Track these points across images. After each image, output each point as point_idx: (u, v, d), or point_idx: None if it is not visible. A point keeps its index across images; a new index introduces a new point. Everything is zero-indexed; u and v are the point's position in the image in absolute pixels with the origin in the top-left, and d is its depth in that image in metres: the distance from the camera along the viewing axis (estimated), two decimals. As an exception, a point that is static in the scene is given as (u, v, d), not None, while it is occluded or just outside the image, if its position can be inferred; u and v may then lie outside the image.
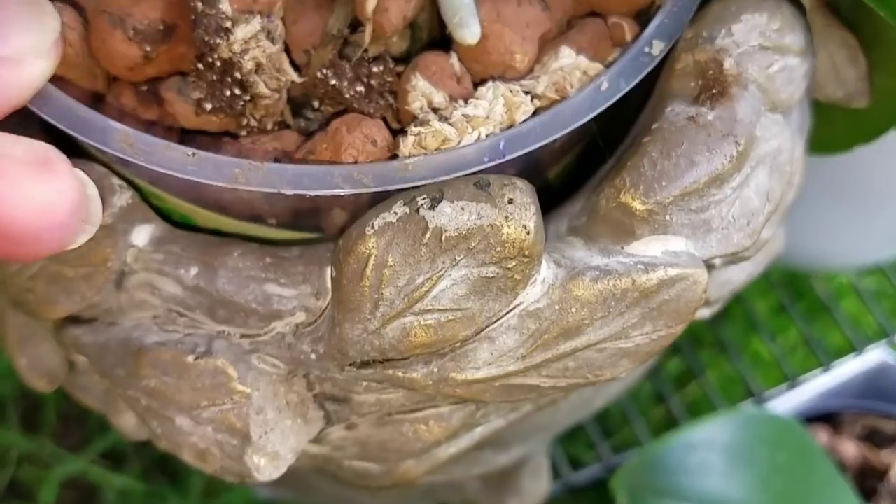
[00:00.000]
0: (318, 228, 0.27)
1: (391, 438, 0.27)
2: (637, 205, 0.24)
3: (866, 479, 0.49)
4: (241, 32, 0.25)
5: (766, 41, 0.25)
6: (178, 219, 0.28)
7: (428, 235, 0.23)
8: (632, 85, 0.25)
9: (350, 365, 0.25)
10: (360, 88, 0.26)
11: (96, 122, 0.25)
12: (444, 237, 0.23)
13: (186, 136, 0.28)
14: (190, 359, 0.25)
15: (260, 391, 0.25)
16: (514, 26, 0.26)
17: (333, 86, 0.26)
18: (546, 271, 0.24)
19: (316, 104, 0.27)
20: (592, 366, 0.24)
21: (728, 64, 0.25)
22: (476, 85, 0.27)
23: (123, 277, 0.26)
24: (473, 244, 0.23)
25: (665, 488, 0.39)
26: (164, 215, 0.28)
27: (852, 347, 0.53)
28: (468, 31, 0.25)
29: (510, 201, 0.23)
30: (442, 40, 0.28)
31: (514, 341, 0.24)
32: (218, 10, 0.25)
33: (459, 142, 0.25)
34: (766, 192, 0.25)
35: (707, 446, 0.40)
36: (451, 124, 0.25)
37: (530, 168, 0.28)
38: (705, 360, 0.57)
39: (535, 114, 0.26)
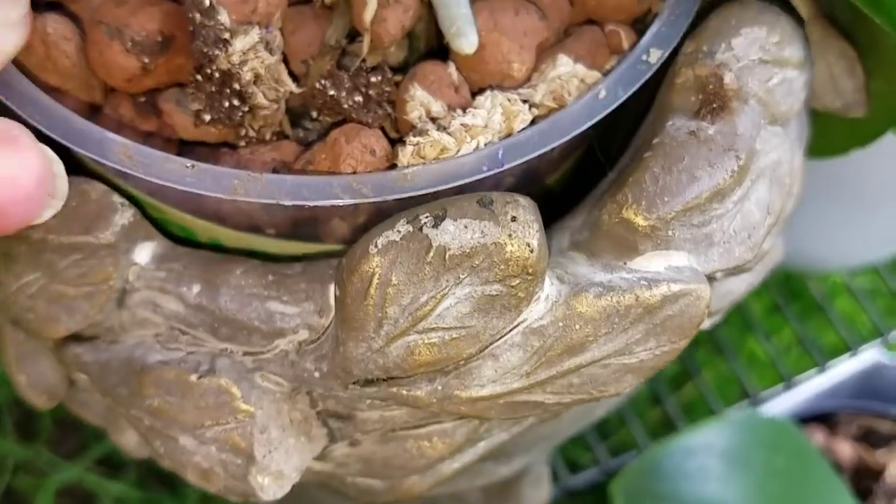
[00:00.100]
0: (317, 238, 0.27)
1: (395, 455, 0.27)
2: (639, 221, 0.24)
3: (862, 479, 0.49)
4: (240, 43, 0.25)
5: (766, 55, 0.25)
6: (177, 230, 0.28)
7: (431, 254, 0.23)
8: (629, 93, 0.25)
9: (354, 383, 0.25)
10: (359, 98, 0.26)
11: (94, 135, 0.25)
12: (447, 255, 0.23)
13: (185, 148, 0.28)
14: (193, 378, 0.25)
15: (263, 410, 0.25)
16: (512, 35, 0.26)
17: (332, 96, 0.26)
18: (549, 288, 0.24)
19: (314, 114, 0.27)
20: (597, 382, 0.24)
21: (728, 78, 0.25)
22: (474, 94, 0.27)
23: (125, 295, 0.26)
24: (477, 262, 0.23)
25: (664, 494, 0.39)
26: (163, 227, 0.28)
27: (847, 347, 0.53)
28: (465, 40, 0.25)
29: (513, 219, 0.23)
30: (440, 50, 0.28)
31: (518, 358, 0.24)
32: (216, 22, 0.25)
33: (458, 151, 0.25)
34: (766, 205, 0.26)
35: (705, 451, 0.40)
36: (449, 133, 0.25)
37: (530, 175, 0.28)
38: (701, 361, 0.57)
39: (533, 122, 0.26)
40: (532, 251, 0.23)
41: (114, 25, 0.26)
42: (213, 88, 0.26)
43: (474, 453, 0.28)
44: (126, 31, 0.26)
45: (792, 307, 0.57)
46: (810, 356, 0.53)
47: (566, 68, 0.26)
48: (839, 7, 0.29)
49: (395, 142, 0.26)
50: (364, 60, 0.27)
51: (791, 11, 0.27)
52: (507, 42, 0.26)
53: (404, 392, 0.24)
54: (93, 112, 0.28)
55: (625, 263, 0.24)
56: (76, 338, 0.27)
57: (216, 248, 0.28)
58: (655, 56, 0.26)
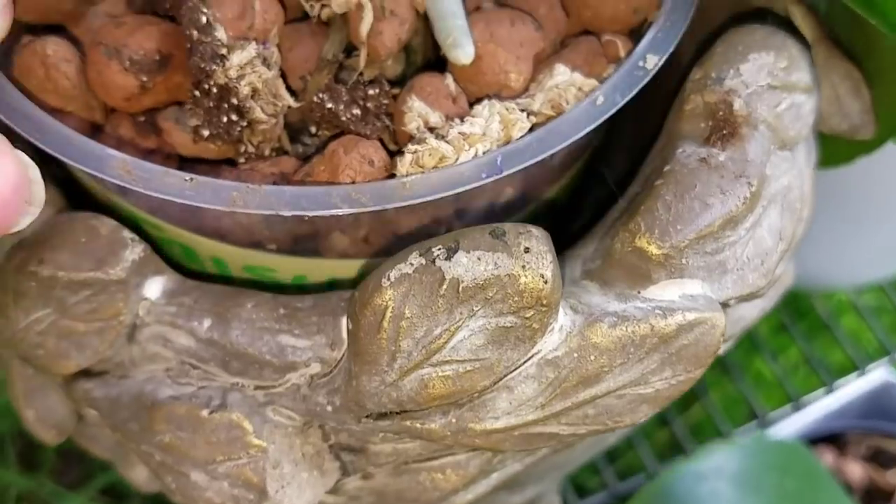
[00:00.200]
0: (317, 253, 0.27)
1: (408, 487, 0.26)
2: (653, 249, 0.24)
3: (873, 499, 0.49)
4: (237, 58, 0.25)
5: (774, 80, 0.25)
6: (178, 249, 0.28)
7: (445, 286, 0.23)
8: (627, 98, 0.26)
9: (367, 416, 0.24)
10: (357, 111, 0.26)
11: (94, 151, 0.25)
12: (460, 288, 0.23)
13: (185, 165, 0.28)
14: (204, 413, 0.25)
15: (276, 444, 0.25)
16: (508, 46, 0.27)
17: (330, 109, 0.26)
18: (563, 318, 0.24)
19: (313, 129, 0.27)
20: (612, 412, 0.24)
21: (737, 105, 0.25)
22: (472, 104, 0.27)
23: (135, 330, 0.26)
24: (491, 294, 0.23)
25: (676, 519, 0.39)
26: (164, 246, 0.28)
27: (854, 365, 0.53)
28: (462, 51, 0.26)
29: (526, 250, 0.23)
30: (437, 62, 0.28)
31: (532, 390, 0.24)
32: (213, 38, 0.25)
33: (457, 159, 0.25)
34: (778, 231, 0.25)
35: (716, 475, 0.40)
36: (447, 142, 0.25)
37: (530, 185, 0.28)
38: (708, 382, 0.57)
39: (531, 130, 0.26)
40: (546, 282, 0.23)
41: (112, 46, 0.26)
42: (212, 103, 0.26)
43: (487, 484, 0.28)
44: (124, 50, 0.26)
45: (798, 326, 0.56)
46: (817, 375, 0.53)
47: (563, 77, 0.26)
48: (836, 13, 0.29)
49: (394, 153, 0.26)
50: (361, 74, 0.27)
51: (797, 35, 0.27)
52: (504, 53, 0.26)
53: (418, 425, 0.24)
54: (94, 132, 0.28)
55: (638, 292, 0.24)
56: (86, 373, 0.26)
57: (217, 262, 0.28)
58: (652, 62, 0.26)
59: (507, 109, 0.26)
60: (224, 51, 0.25)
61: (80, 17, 0.28)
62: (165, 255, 0.28)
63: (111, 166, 0.24)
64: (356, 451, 0.26)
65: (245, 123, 0.26)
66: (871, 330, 0.54)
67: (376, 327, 0.23)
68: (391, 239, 0.27)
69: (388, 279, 0.23)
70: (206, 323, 0.25)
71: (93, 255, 0.25)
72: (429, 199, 0.24)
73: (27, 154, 0.22)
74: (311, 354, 0.25)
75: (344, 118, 0.26)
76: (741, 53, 0.25)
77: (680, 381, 0.24)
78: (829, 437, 0.51)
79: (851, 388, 0.51)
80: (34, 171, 0.23)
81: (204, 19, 0.25)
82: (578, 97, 0.26)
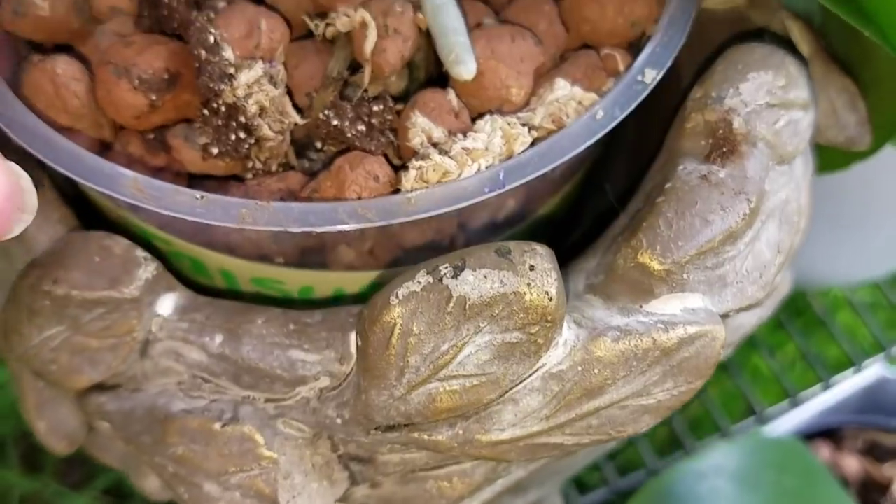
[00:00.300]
0: (324, 266, 0.28)
1: (415, 496, 0.27)
2: (655, 265, 0.24)
3: (869, 493, 0.50)
4: (245, 77, 0.26)
5: (773, 98, 0.26)
6: (187, 262, 0.28)
7: (452, 304, 0.23)
8: (626, 112, 0.26)
9: (376, 429, 0.25)
10: (362, 127, 0.27)
11: (106, 170, 0.25)
12: (467, 305, 0.23)
13: (194, 181, 0.28)
14: (217, 426, 0.26)
15: (286, 456, 0.26)
16: (509, 62, 0.27)
17: (335, 126, 0.26)
18: (567, 332, 0.24)
19: (319, 145, 0.28)
20: (615, 423, 0.25)
21: (737, 123, 0.25)
22: (474, 119, 0.27)
23: (148, 345, 0.26)
24: (497, 311, 0.23)
25: (676, 518, 0.40)
26: (173, 259, 0.28)
27: (850, 361, 0.53)
28: (464, 67, 0.26)
29: (531, 268, 0.23)
30: (439, 78, 0.28)
31: (537, 402, 0.24)
32: (221, 58, 0.26)
33: (460, 174, 0.25)
34: (776, 244, 0.26)
35: (715, 473, 0.41)
36: (451, 157, 0.25)
37: (532, 196, 0.28)
38: (706, 378, 0.57)
39: (533, 144, 0.26)
40: (551, 299, 0.23)
41: (121, 65, 0.26)
42: (220, 122, 0.26)
43: (492, 491, 0.28)
44: (133, 69, 0.26)
45: (795, 323, 0.57)
46: (814, 371, 0.53)
47: (564, 91, 0.27)
48: (832, 25, 0.29)
49: (399, 168, 0.27)
50: (366, 90, 0.27)
51: (795, 52, 0.28)
52: (505, 68, 0.27)
53: (426, 437, 0.25)
54: (103, 149, 0.28)
55: (641, 306, 0.25)
56: (99, 387, 0.27)
57: (225, 275, 0.28)
58: (650, 76, 0.27)
59: (508, 124, 0.26)
60: (232, 70, 0.26)
61: (87, 36, 0.28)
62: (175, 267, 0.28)
63: (123, 185, 0.25)
64: (364, 461, 0.26)
65: (253, 141, 0.26)
66: (866, 326, 0.55)
67: (385, 344, 0.23)
68: (396, 251, 0.28)
69: (397, 297, 0.23)
70: (218, 339, 0.26)
71: (107, 274, 0.25)
72: (433, 214, 0.25)
73: (36, 169, 0.23)
74: (321, 368, 0.25)
75: (349, 134, 0.26)
76: (741, 72, 0.26)
77: (681, 392, 0.25)
78: (825, 432, 0.51)
79: (848, 384, 0.52)
80: (26, 181, 0.23)
81: (212, 39, 0.26)
82: (578, 111, 0.27)
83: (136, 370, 0.26)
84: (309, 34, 0.28)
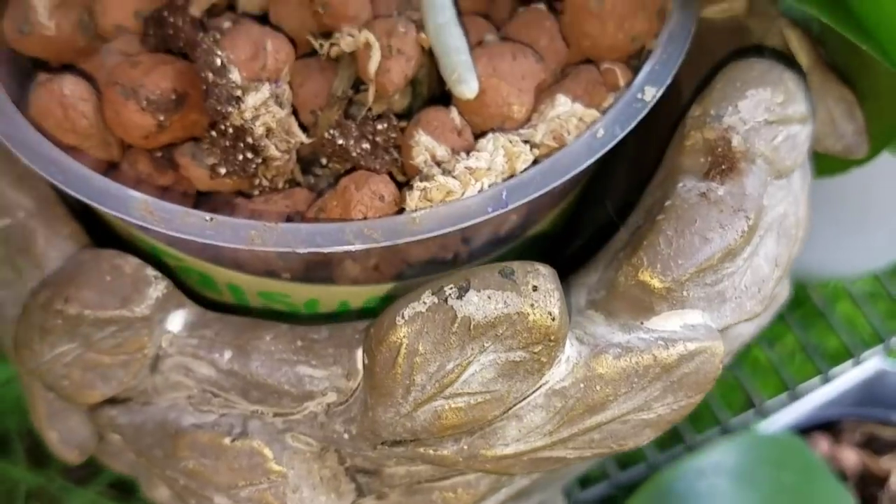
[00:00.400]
0: (330, 280, 0.28)
1: (422, 506, 0.28)
2: (655, 283, 0.25)
3: (867, 486, 0.50)
4: (252, 100, 0.26)
5: (771, 115, 0.26)
6: (195, 277, 0.29)
7: (457, 324, 0.24)
8: (626, 131, 0.26)
9: (382, 444, 0.25)
10: (366, 146, 0.27)
11: (115, 192, 0.26)
12: (472, 325, 0.24)
13: (201, 198, 0.29)
14: (227, 441, 0.26)
15: (295, 469, 0.26)
16: (510, 79, 0.27)
17: (340, 145, 0.27)
18: (570, 349, 0.25)
19: (324, 162, 0.28)
20: (617, 437, 0.25)
21: (736, 141, 0.26)
22: (476, 137, 0.28)
23: (158, 361, 0.27)
24: (501, 331, 0.24)
25: (676, 515, 0.40)
26: (182, 274, 0.29)
27: (849, 353, 0.54)
28: (466, 86, 0.26)
29: (534, 288, 0.24)
30: (442, 96, 0.28)
31: (541, 418, 0.25)
32: (228, 80, 0.26)
33: (463, 193, 0.26)
34: (774, 259, 0.26)
35: (714, 471, 0.41)
36: (454, 177, 0.26)
37: (532, 212, 0.29)
38: (705, 370, 0.58)
39: (534, 162, 0.27)
40: (554, 319, 0.24)
41: (129, 85, 0.26)
42: (228, 143, 0.27)
43: (496, 500, 0.29)
44: (141, 90, 0.26)
45: (794, 314, 0.57)
46: (813, 363, 0.54)
47: (565, 108, 0.27)
48: (830, 34, 0.29)
49: (403, 185, 0.27)
50: (370, 109, 0.28)
51: (794, 66, 0.28)
52: (506, 86, 0.27)
53: (431, 452, 0.25)
54: (111, 168, 0.29)
55: (642, 323, 0.25)
56: (110, 400, 0.27)
57: (233, 289, 0.29)
58: (650, 94, 0.27)
59: (510, 142, 0.27)
60: (239, 93, 0.26)
61: (92, 54, 0.29)
62: (183, 282, 0.28)
63: (133, 208, 0.25)
64: (371, 474, 0.27)
65: (260, 160, 0.27)
66: (865, 317, 0.55)
67: (391, 363, 0.24)
68: (401, 266, 0.28)
69: (403, 317, 0.24)
70: (227, 355, 0.26)
71: (118, 293, 0.25)
72: (437, 234, 0.25)
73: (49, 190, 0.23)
74: (328, 384, 0.26)
75: (354, 153, 0.27)
76: (739, 90, 0.26)
77: (682, 406, 0.25)
78: (823, 425, 0.52)
79: (846, 377, 0.52)
80: None
81: (218, 62, 0.26)
82: (579, 127, 0.27)
83: (146, 384, 0.27)
84: (313, 52, 0.28)
